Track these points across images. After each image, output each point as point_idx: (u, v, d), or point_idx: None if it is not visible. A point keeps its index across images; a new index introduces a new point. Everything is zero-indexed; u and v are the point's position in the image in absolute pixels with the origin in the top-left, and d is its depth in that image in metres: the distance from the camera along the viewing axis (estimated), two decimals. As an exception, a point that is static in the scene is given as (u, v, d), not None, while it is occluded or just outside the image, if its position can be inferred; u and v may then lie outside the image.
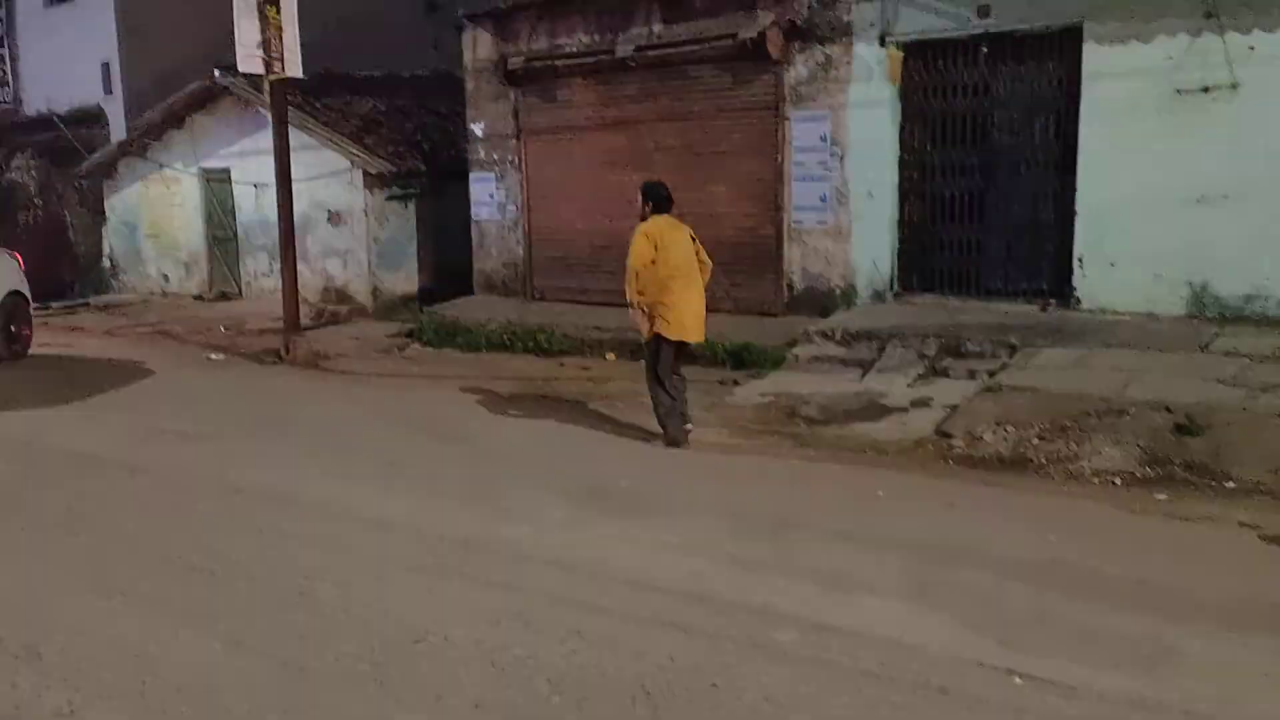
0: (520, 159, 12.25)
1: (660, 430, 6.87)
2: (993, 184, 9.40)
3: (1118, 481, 5.75)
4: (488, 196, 12.63)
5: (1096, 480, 5.78)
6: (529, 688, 3.51)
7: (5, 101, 20.20)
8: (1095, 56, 8.59)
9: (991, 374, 7.56)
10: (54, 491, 6.03)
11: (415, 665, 3.69)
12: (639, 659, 3.70)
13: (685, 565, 4.63)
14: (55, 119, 18.55)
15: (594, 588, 4.37)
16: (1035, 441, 6.25)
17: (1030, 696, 3.40)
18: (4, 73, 20.18)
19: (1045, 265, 9.24)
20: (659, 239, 6.72)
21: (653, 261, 6.67)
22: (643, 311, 6.76)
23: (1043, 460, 6.06)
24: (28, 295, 11.13)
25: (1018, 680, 3.51)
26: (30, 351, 11.02)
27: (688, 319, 6.76)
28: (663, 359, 6.81)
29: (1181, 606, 4.09)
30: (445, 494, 5.84)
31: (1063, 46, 8.85)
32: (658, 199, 6.91)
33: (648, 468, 6.36)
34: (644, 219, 6.87)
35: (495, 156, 12.46)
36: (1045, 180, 9.16)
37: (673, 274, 6.70)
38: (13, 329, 10.79)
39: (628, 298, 6.77)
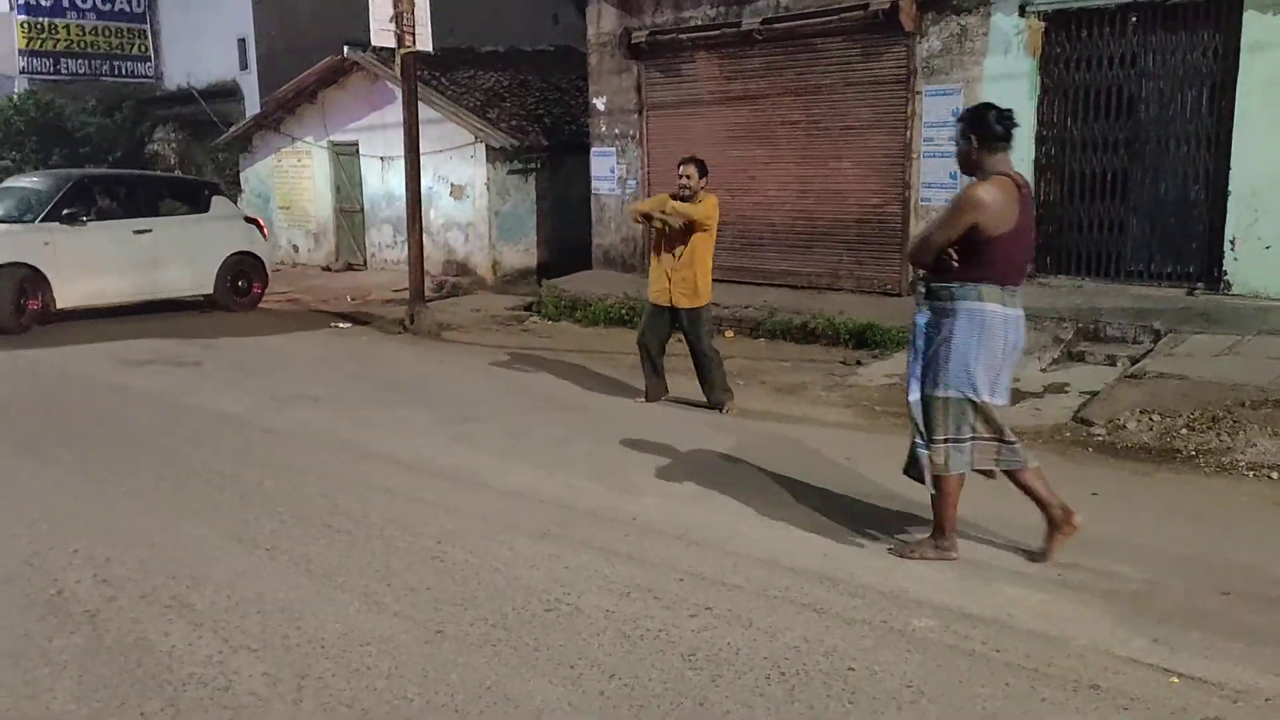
0: (642, 134, 12.21)
1: (721, 396, 7.18)
2: (1137, 161, 8.96)
3: (1275, 475, 5.42)
4: (608, 171, 12.65)
5: (1251, 474, 5.47)
6: (663, 661, 3.48)
7: (148, 76, 21.17)
8: (1256, 26, 8.09)
9: (1134, 360, 7.23)
10: (199, 450, 6.28)
11: (548, 633, 3.71)
12: (772, 638, 3.65)
13: (816, 545, 4.55)
14: (194, 93, 19.35)
15: (723, 564, 4.33)
16: (1184, 431, 5.95)
17: (1191, 697, 3.22)
18: (147, 48, 21.12)
19: (1193, 247, 8.78)
20: None
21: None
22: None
23: (1192, 451, 5.76)
24: (261, 255, 12.87)
25: (1175, 680, 3.33)
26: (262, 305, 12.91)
27: None
28: None
29: (1354, 611, 3.83)
30: (569, 465, 5.86)
31: (1219, 15, 8.36)
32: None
33: (770, 446, 6.27)
34: (695, 192, 6.97)
35: (616, 131, 12.46)
36: (1195, 158, 8.69)
37: None
38: (241, 284, 12.58)
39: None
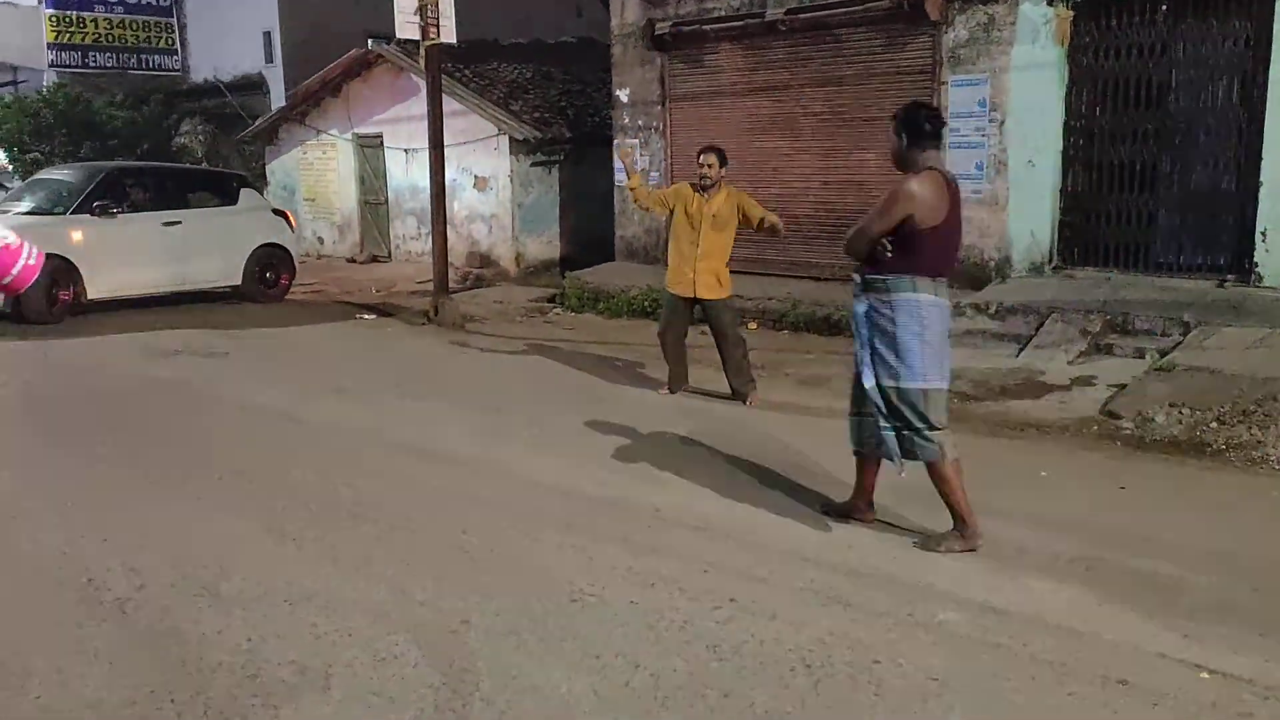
0: (665, 125, 12.19)
1: (745, 387, 7.19)
2: (1167, 152, 8.85)
3: (1307, 471, 5.36)
4: (631, 162, 12.61)
5: (1283, 468, 5.41)
6: (687, 652, 3.49)
7: (175, 69, 21.32)
8: (1290, 14, 7.97)
9: (1163, 353, 7.15)
10: (226, 440, 6.34)
11: (573, 624, 3.72)
12: (797, 631, 3.64)
13: (840, 537, 4.54)
14: (221, 86, 19.46)
15: (747, 556, 4.33)
16: (1214, 425, 5.88)
17: (1221, 693, 3.19)
18: (173, 42, 21.27)
19: (1223, 239, 8.67)
20: None
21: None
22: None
23: (1222, 445, 5.70)
24: (288, 247, 12.91)
25: (1205, 675, 3.30)
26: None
27: None
28: None
29: (1388, 607, 3.78)
30: (592, 456, 5.87)
31: (1251, 4, 8.23)
32: None
33: (793, 438, 6.26)
34: (715, 182, 7.05)
35: (640, 122, 12.44)
36: (1226, 148, 8.57)
37: None
38: (269, 275, 12.60)
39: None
